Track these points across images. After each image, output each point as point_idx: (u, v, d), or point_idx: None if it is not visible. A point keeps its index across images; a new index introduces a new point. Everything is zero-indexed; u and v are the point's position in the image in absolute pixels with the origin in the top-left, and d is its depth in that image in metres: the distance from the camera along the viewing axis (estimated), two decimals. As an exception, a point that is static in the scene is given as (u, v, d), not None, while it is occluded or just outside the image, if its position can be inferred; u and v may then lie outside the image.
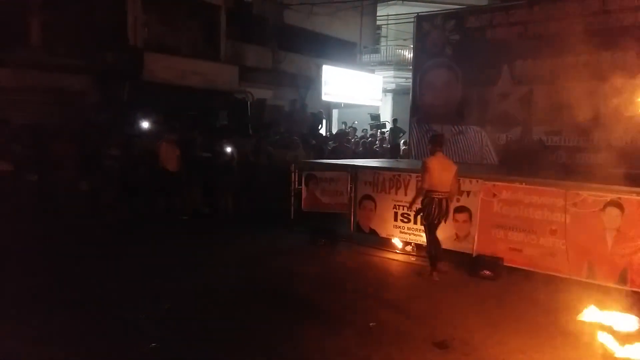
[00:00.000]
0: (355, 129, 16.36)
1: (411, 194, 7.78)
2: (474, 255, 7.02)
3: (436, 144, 6.72)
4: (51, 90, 11.12)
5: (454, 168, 6.62)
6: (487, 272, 6.58)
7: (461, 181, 7.30)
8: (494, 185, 7.03)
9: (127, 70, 12.05)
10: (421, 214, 6.70)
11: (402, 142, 14.63)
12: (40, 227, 8.17)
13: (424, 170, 6.48)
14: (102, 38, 11.88)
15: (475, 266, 6.76)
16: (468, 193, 7.25)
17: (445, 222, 6.70)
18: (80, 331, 4.58)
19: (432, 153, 6.67)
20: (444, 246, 7.30)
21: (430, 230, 6.64)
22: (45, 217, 8.57)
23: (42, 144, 9.17)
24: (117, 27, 12.07)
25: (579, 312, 5.34)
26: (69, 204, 9.11)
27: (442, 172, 6.46)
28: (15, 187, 8.80)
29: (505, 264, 6.75)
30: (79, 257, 6.97)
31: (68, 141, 9.19)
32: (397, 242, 7.98)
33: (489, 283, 6.39)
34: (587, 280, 6.13)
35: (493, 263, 6.71)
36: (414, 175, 7.89)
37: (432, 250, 6.67)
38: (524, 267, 6.63)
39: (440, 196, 6.45)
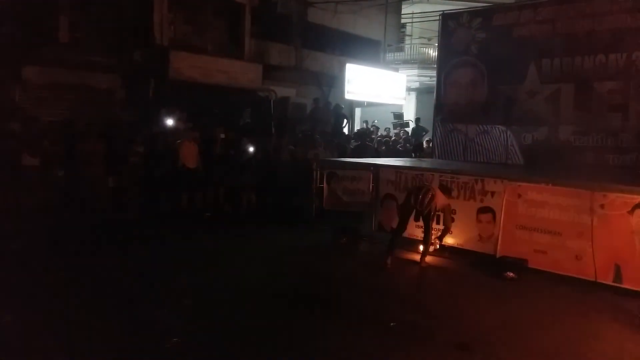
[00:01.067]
0: (377, 128, 16.28)
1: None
2: (497, 256, 6.93)
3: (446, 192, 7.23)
4: (79, 87, 11.33)
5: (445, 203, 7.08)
6: (511, 274, 6.48)
7: (485, 181, 7.24)
8: (518, 185, 6.93)
9: (153, 69, 12.21)
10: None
11: (425, 140, 14.52)
12: (66, 222, 8.34)
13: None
14: (129, 37, 12.06)
15: (499, 267, 6.67)
16: (492, 193, 7.17)
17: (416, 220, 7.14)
18: (103, 325, 4.65)
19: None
20: (466, 247, 7.27)
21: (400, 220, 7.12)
22: (70, 212, 8.75)
23: (70, 140, 9.36)
24: (144, 26, 12.22)
25: (604, 316, 5.23)
26: (95, 199, 9.29)
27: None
28: (42, 182, 9.01)
29: (529, 266, 6.65)
30: (102, 252, 7.11)
31: (95, 138, 9.36)
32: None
33: (513, 285, 6.29)
34: (614, 284, 5.99)
35: (517, 264, 6.61)
36: (437, 174, 7.83)
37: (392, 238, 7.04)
38: (548, 270, 6.51)
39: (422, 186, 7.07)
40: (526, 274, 6.52)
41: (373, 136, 14.96)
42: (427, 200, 6.72)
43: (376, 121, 16.81)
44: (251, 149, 10.49)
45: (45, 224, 8.11)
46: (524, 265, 6.63)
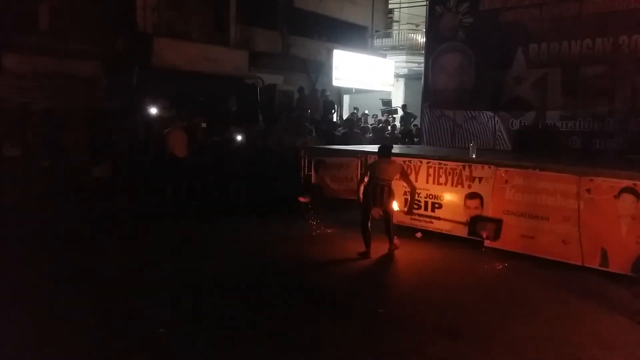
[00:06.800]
0: (367, 115, 16.20)
1: (422, 180, 7.73)
2: (485, 243, 6.93)
3: (384, 155, 6.95)
4: (60, 76, 11.08)
5: (398, 168, 6.93)
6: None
7: (473, 167, 7.22)
8: (506, 171, 6.92)
9: (136, 56, 11.98)
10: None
11: (413, 127, 14.47)
12: (50, 213, 8.22)
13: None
14: (112, 23, 11.81)
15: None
16: (480, 179, 7.15)
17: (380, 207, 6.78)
18: (87, 315, 4.58)
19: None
20: (454, 233, 7.28)
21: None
22: (55, 203, 8.62)
23: (53, 130, 9.19)
24: (127, 12, 11.97)
25: (591, 300, 5.25)
26: (79, 189, 9.16)
27: (385, 168, 6.79)
28: (26, 173, 8.86)
29: (517, 250, 6.66)
30: (88, 242, 7.01)
31: (78, 127, 9.19)
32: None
33: (501, 271, 6.30)
34: (600, 269, 6.02)
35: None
36: (424, 161, 7.80)
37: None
38: (536, 255, 6.52)
39: (380, 183, 6.68)
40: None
41: (365, 125, 14.83)
42: (385, 197, 6.69)
43: (366, 111, 16.72)
44: (238, 138, 10.37)
45: (29, 216, 7.99)
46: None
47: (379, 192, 6.64)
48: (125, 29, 11.92)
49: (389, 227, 6.85)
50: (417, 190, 7.28)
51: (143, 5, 12.11)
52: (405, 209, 7.26)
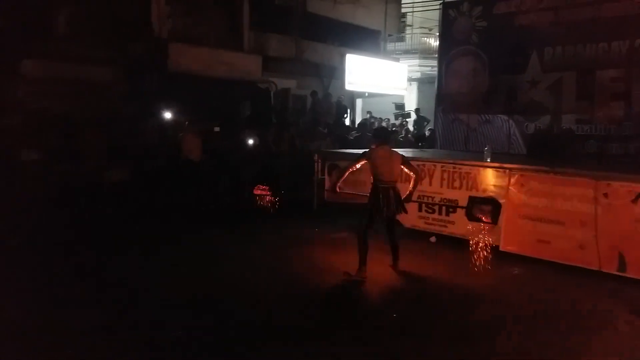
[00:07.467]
0: (381, 119, 16.19)
1: (436, 183, 7.70)
2: (500, 248, 6.88)
3: (381, 138, 6.29)
4: (78, 81, 11.25)
5: (399, 158, 6.13)
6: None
7: (488, 171, 7.18)
8: (521, 175, 6.88)
9: (152, 61, 12.13)
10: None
11: (427, 130, 14.45)
12: (66, 217, 8.33)
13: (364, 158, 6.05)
14: (128, 29, 11.97)
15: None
16: (495, 183, 7.12)
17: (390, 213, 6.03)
18: (102, 319, 4.63)
19: (376, 146, 6.13)
20: (469, 237, 7.21)
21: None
22: (71, 207, 8.74)
23: (71, 134, 9.31)
24: (143, 19, 12.13)
25: (608, 306, 5.20)
26: (96, 193, 9.27)
27: (386, 162, 6.01)
28: (42, 177, 8.99)
29: (533, 255, 6.61)
30: (103, 247, 7.08)
31: (95, 132, 9.31)
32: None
33: (516, 275, 6.26)
34: (618, 274, 5.96)
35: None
36: (439, 164, 7.78)
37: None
38: (552, 260, 6.47)
39: (385, 186, 5.95)
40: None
41: (374, 128, 14.85)
42: (394, 203, 5.99)
43: (381, 118, 16.72)
44: (251, 142, 10.43)
45: (44, 219, 8.09)
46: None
47: (389, 198, 5.90)
48: (141, 35, 12.08)
49: (395, 238, 6.21)
50: (432, 195, 7.23)
51: (159, 11, 12.25)
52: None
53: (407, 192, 6.24)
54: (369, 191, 6.12)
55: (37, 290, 5.31)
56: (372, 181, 6.09)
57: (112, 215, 8.73)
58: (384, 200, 5.90)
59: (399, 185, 6.15)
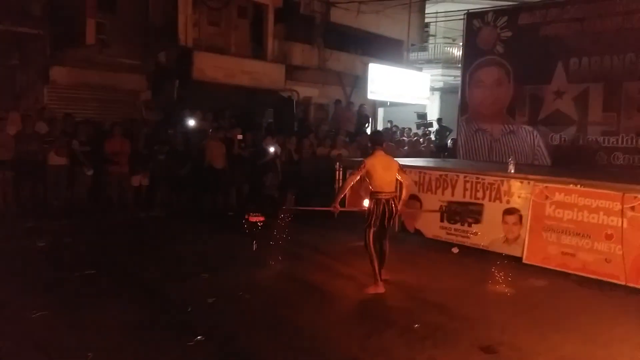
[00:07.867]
0: (403, 129, 16.16)
1: (458, 194, 7.66)
2: (524, 260, 6.80)
3: (376, 142, 6.18)
4: (105, 88, 11.53)
5: (395, 165, 6.01)
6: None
7: (512, 182, 7.12)
8: (546, 187, 6.80)
9: (177, 69, 12.34)
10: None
11: (449, 140, 14.37)
12: (92, 220, 8.49)
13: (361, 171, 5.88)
14: (154, 38, 12.22)
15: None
16: (519, 195, 7.05)
17: (389, 225, 6.00)
18: (127, 322, 4.70)
19: (372, 152, 6.03)
20: (492, 249, 7.14)
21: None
22: (97, 211, 8.91)
23: (98, 140, 9.51)
24: (169, 27, 12.36)
25: (633, 320, 5.10)
26: (121, 198, 9.44)
27: (384, 171, 5.89)
28: (69, 182, 9.19)
29: (557, 268, 6.52)
30: (128, 250, 7.18)
31: (121, 138, 9.49)
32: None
33: (541, 288, 6.17)
34: (645, 288, 5.84)
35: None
36: (461, 175, 7.74)
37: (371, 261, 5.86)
38: (577, 272, 6.37)
39: (386, 197, 5.85)
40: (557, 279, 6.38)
41: (401, 138, 14.79)
42: (394, 217, 5.99)
43: (402, 127, 16.67)
44: (272, 149, 10.50)
45: (71, 223, 8.26)
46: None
47: (385, 212, 5.80)
48: (167, 44, 12.30)
49: (385, 253, 6.03)
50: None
51: (184, 20, 12.46)
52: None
53: (400, 201, 6.07)
54: (346, 187, 6.16)
55: (60, 290, 5.41)
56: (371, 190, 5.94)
57: (136, 219, 8.89)
58: (382, 214, 5.80)
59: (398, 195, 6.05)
